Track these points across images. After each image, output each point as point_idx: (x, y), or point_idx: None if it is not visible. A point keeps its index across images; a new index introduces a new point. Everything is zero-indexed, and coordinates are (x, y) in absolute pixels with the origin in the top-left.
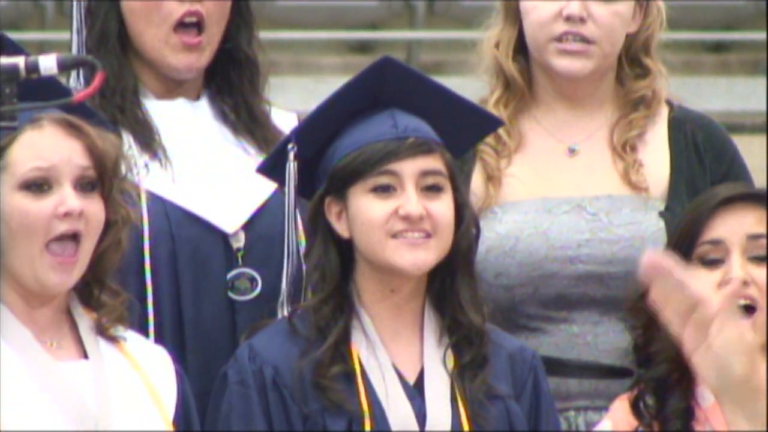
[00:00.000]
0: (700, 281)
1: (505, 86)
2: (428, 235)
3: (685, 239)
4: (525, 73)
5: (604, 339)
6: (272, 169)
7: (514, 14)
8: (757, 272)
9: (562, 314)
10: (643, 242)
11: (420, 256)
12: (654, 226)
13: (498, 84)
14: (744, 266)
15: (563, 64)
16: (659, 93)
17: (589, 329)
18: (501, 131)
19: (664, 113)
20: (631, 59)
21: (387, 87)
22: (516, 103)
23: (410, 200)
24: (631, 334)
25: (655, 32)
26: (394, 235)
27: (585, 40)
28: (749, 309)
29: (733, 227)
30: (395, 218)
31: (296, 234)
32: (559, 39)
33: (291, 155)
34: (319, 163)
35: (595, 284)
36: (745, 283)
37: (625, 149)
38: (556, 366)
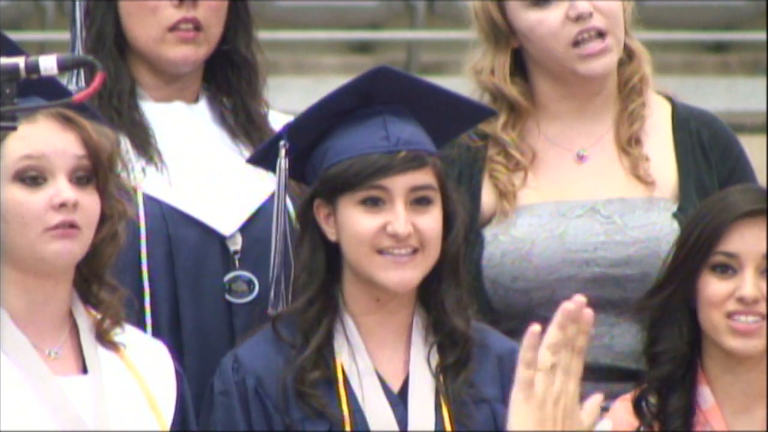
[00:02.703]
0: (712, 288)
1: (510, 109)
2: (415, 251)
3: (702, 246)
4: (526, 92)
5: (621, 341)
6: (261, 161)
7: (505, 36)
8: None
9: None
10: (658, 243)
11: (406, 275)
12: (668, 227)
13: (502, 108)
14: (756, 283)
15: (589, 67)
16: (646, 75)
17: (606, 331)
18: (514, 152)
19: (664, 107)
20: None
21: (380, 91)
22: (522, 122)
23: (398, 218)
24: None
25: (630, 9)
26: (381, 251)
27: (599, 33)
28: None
29: (749, 243)
30: (383, 234)
31: (287, 228)
32: (576, 43)
33: (282, 152)
34: (311, 155)
35: (612, 286)
36: (755, 301)
37: (630, 144)
38: None
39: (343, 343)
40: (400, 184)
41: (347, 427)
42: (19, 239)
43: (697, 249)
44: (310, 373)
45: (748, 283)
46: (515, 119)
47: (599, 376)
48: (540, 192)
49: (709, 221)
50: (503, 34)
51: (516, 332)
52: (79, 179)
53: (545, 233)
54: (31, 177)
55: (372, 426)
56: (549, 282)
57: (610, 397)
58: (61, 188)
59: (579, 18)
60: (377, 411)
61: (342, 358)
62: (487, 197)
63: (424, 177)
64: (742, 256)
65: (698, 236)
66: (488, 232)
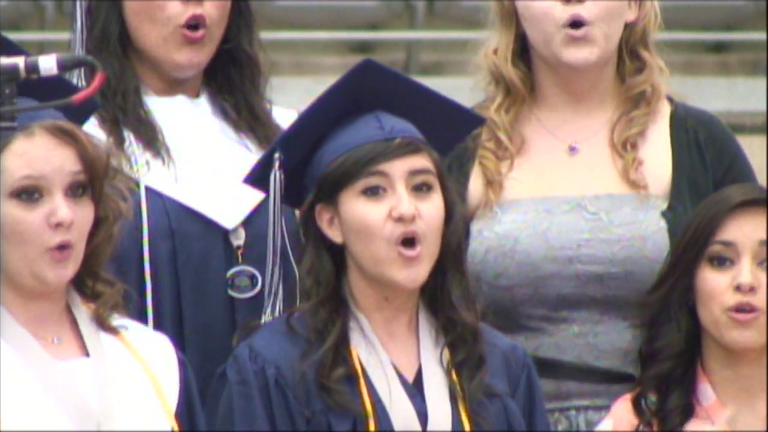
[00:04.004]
0: (711, 281)
1: (506, 92)
2: (418, 240)
3: (699, 237)
4: (525, 78)
5: (605, 339)
6: (258, 179)
7: (509, 19)
8: (764, 278)
9: (562, 314)
10: (643, 242)
11: (414, 272)
12: (654, 225)
13: (498, 90)
14: (753, 271)
15: (570, 53)
16: (659, 89)
17: (589, 329)
18: (502, 136)
19: (665, 110)
20: (630, 51)
21: (369, 90)
22: (517, 107)
23: (402, 200)
24: (635, 332)
25: (651, 23)
26: (394, 243)
27: (583, 22)
28: (751, 310)
29: (746, 231)
30: (390, 221)
31: (283, 240)
32: (563, 26)
33: (276, 165)
34: (306, 170)
35: (595, 284)
36: (752, 289)
37: (625, 147)
38: (556, 368)
39: (359, 339)
40: (398, 168)
41: (370, 422)
42: (16, 256)
43: (694, 241)
44: (332, 370)
45: (745, 271)
46: (510, 103)
47: (583, 376)
48: (527, 185)
49: (706, 213)
50: (508, 16)
51: (500, 330)
52: (75, 191)
53: (529, 229)
54: (28, 193)
55: (393, 417)
56: (532, 279)
57: (595, 393)
58: (58, 206)
59: (569, 1)
60: (398, 403)
61: (359, 352)
62: (475, 187)
63: (422, 161)
64: (738, 244)
65: (695, 228)
66: (473, 228)
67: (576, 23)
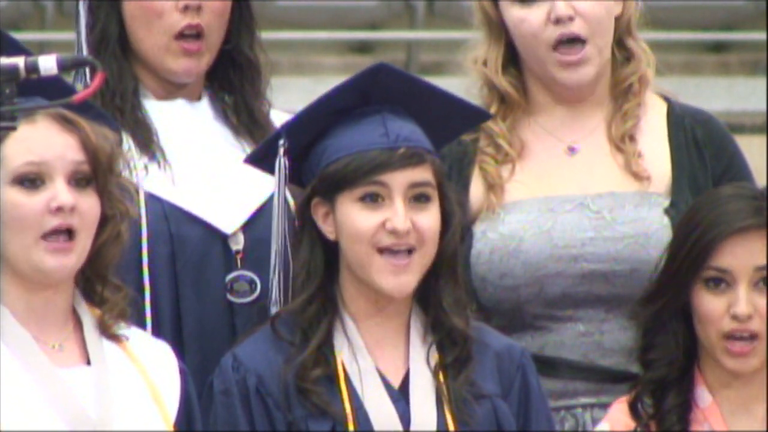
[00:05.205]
0: (706, 304)
1: (500, 100)
2: (412, 249)
3: (693, 260)
4: (518, 85)
5: (610, 337)
6: (260, 160)
7: (498, 30)
8: (761, 302)
9: (567, 313)
10: (647, 239)
11: (403, 280)
12: (658, 222)
13: (493, 99)
14: (750, 299)
15: (566, 76)
16: (646, 76)
17: (595, 327)
18: (502, 141)
19: (658, 105)
20: (617, 42)
21: (379, 89)
22: (513, 114)
23: (398, 214)
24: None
25: (633, 10)
26: (381, 250)
27: (578, 39)
28: (750, 337)
29: (741, 258)
30: (382, 231)
31: (286, 228)
32: (556, 47)
33: (281, 151)
34: (309, 154)
35: (600, 282)
36: (749, 317)
37: (623, 141)
38: (561, 367)
39: (343, 341)
40: (399, 180)
41: (350, 425)
42: (15, 244)
43: (688, 263)
44: (311, 371)
45: (742, 300)
46: (506, 110)
47: (589, 374)
48: (529, 186)
49: (701, 235)
50: (496, 27)
51: (505, 329)
52: (78, 182)
53: (533, 229)
54: (30, 180)
55: (374, 422)
56: (537, 278)
57: (602, 391)
58: (59, 192)
59: (559, 21)
60: (379, 407)
61: (342, 355)
62: (476, 190)
63: (423, 174)
64: (734, 271)
65: (689, 250)
66: (477, 229)
67: (570, 41)
